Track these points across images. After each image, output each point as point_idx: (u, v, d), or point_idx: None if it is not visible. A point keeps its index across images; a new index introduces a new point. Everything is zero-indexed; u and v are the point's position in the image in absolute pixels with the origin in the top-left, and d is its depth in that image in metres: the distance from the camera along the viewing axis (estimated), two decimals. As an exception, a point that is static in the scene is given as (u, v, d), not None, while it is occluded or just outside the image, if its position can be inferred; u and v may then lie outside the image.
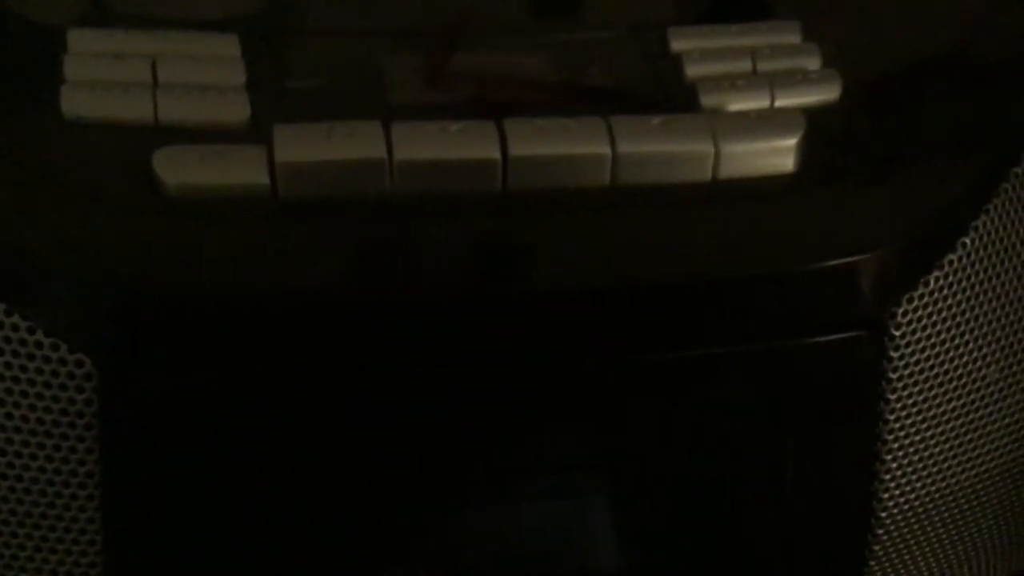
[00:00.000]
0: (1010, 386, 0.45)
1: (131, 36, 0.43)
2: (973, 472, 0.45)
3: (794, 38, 0.47)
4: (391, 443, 0.40)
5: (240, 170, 0.38)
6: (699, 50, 0.46)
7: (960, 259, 0.42)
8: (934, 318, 0.42)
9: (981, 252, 0.43)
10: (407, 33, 0.47)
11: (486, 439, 0.41)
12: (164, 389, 0.37)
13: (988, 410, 0.45)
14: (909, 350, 0.42)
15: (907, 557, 0.46)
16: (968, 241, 0.42)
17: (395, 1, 0.49)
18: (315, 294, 0.38)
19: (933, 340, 0.42)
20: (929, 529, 0.46)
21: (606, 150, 0.40)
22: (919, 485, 0.44)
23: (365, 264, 0.39)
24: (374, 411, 0.39)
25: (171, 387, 0.37)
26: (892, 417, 0.43)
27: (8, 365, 0.37)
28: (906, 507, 0.45)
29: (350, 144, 0.39)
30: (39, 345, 0.37)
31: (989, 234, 0.43)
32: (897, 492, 0.44)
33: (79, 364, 0.37)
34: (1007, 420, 0.45)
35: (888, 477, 0.44)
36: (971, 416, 0.44)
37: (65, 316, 0.37)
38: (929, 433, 0.44)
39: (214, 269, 0.37)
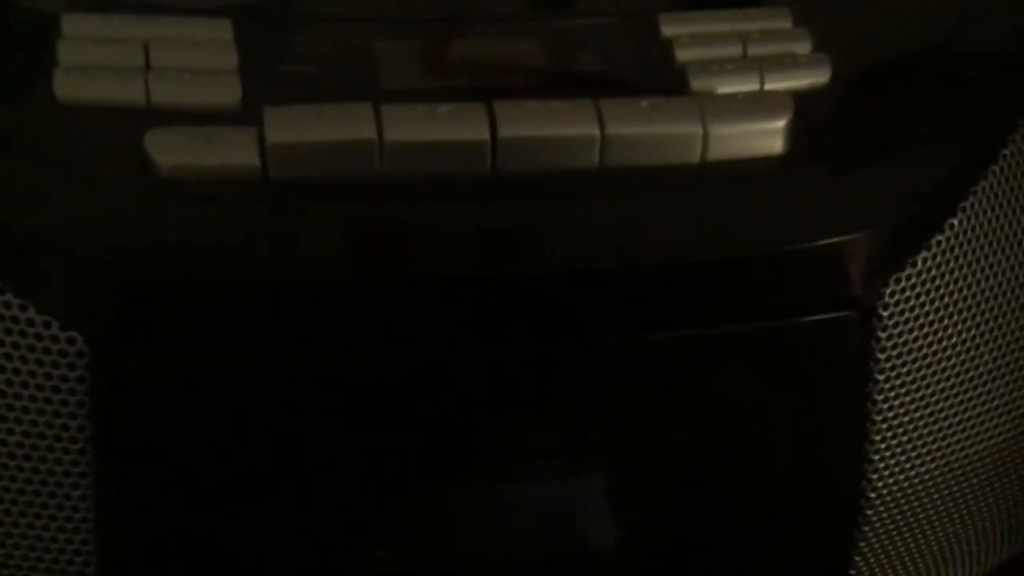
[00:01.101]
0: (999, 367, 0.45)
1: (124, 21, 0.43)
2: (963, 454, 0.46)
3: (785, 23, 0.47)
4: (382, 425, 0.40)
5: (232, 151, 0.39)
6: (689, 35, 0.46)
7: (948, 240, 0.43)
8: (922, 299, 0.42)
9: (969, 233, 0.43)
10: (399, 19, 0.47)
11: (474, 422, 0.41)
12: (156, 367, 0.37)
13: (977, 391, 0.45)
14: (897, 331, 0.42)
15: (897, 540, 0.46)
16: (956, 222, 0.43)
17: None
18: (306, 275, 0.38)
19: (921, 321, 0.43)
20: (919, 511, 0.46)
21: (595, 132, 0.40)
22: (908, 467, 0.45)
23: (355, 245, 0.39)
24: (364, 393, 0.39)
25: (163, 366, 0.38)
26: (881, 398, 0.43)
27: (0, 342, 0.37)
28: (896, 489, 0.45)
29: (340, 125, 0.39)
30: (31, 323, 0.37)
31: (977, 215, 0.43)
32: (887, 474, 0.44)
33: (71, 341, 0.37)
34: (996, 401, 0.46)
35: (877, 459, 0.44)
36: (960, 397, 0.44)
37: (57, 294, 0.37)
38: (918, 415, 0.44)
39: (205, 249, 0.37)
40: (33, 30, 0.43)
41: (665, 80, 0.44)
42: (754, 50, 0.46)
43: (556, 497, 0.43)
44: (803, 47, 0.46)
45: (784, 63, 0.45)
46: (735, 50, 0.46)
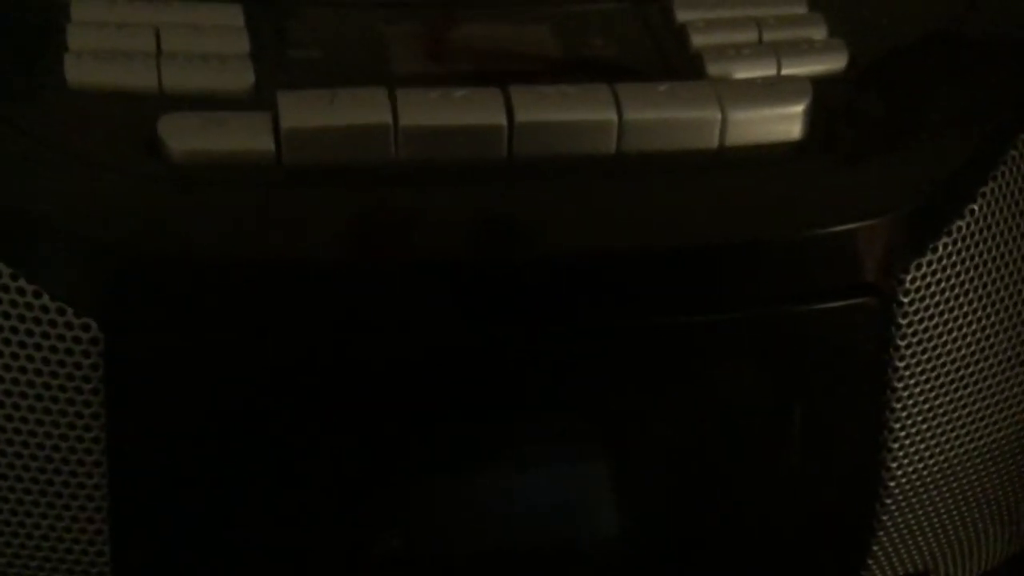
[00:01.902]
0: (1018, 354, 0.45)
1: (134, 6, 0.43)
2: (981, 442, 0.45)
3: (800, 8, 0.47)
4: (393, 409, 0.40)
5: (245, 136, 0.38)
6: (704, 20, 0.46)
7: (968, 226, 0.42)
8: (942, 285, 0.42)
9: (989, 219, 0.43)
10: (412, 4, 0.46)
11: (490, 408, 0.40)
12: (170, 353, 0.37)
13: (997, 379, 0.44)
14: (917, 317, 0.42)
15: (915, 527, 0.46)
16: (976, 208, 0.42)
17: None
18: (319, 260, 0.38)
19: (941, 307, 0.42)
20: (937, 499, 0.46)
21: (612, 117, 0.40)
22: (928, 455, 0.44)
23: (370, 230, 0.39)
24: (377, 377, 0.39)
25: (177, 352, 0.37)
26: (900, 385, 0.42)
27: (15, 329, 0.37)
28: (914, 476, 0.44)
29: (355, 110, 0.39)
30: (45, 309, 0.37)
31: (997, 200, 0.43)
32: (906, 462, 0.44)
33: (85, 328, 0.37)
34: (1016, 389, 0.45)
35: (896, 446, 0.43)
36: (979, 384, 0.44)
37: (71, 280, 0.37)
38: (937, 402, 0.43)
39: (219, 234, 0.37)
40: (42, 16, 0.43)
41: (681, 65, 0.44)
42: (770, 35, 0.45)
43: (571, 486, 0.43)
44: (819, 32, 0.46)
45: (800, 48, 0.45)
46: (751, 35, 0.45)
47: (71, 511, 0.39)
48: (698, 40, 0.45)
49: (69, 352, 0.37)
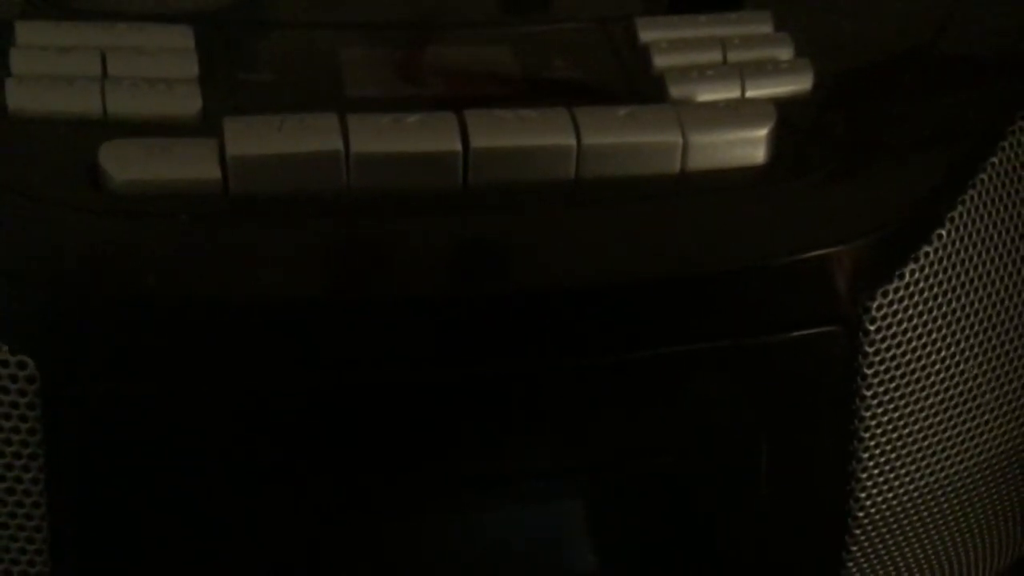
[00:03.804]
0: (988, 380, 0.44)
1: (81, 28, 0.42)
2: (952, 470, 0.45)
3: (766, 28, 0.46)
4: (337, 448, 0.38)
5: (190, 164, 0.37)
6: (668, 40, 0.45)
7: (936, 251, 0.41)
8: (910, 312, 0.41)
9: (957, 244, 0.42)
10: (367, 26, 0.45)
11: (448, 443, 0.39)
12: (109, 392, 0.36)
13: (967, 406, 0.44)
14: (884, 345, 0.41)
15: (885, 557, 0.45)
16: (944, 233, 0.42)
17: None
18: (268, 296, 0.36)
19: (909, 334, 0.41)
20: (908, 528, 0.45)
21: (571, 141, 0.39)
22: (896, 484, 0.44)
23: (321, 263, 0.38)
24: (321, 416, 0.38)
25: (116, 390, 0.36)
26: (868, 414, 0.42)
27: (-53, 367, 0.35)
28: (883, 506, 0.44)
29: (305, 136, 0.37)
30: (-21, 346, 0.36)
31: (965, 226, 0.42)
32: (874, 491, 0.43)
33: (22, 366, 0.36)
34: (987, 416, 0.44)
35: (865, 476, 0.43)
36: (949, 412, 0.43)
37: (7, 317, 0.35)
38: (906, 430, 0.43)
39: (160, 269, 0.36)
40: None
41: (643, 87, 0.43)
42: (735, 56, 0.45)
43: (537, 520, 0.42)
44: (785, 52, 0.45)
45: (766, 69, 0.44)
46: (715, 56, 0.45)
47: (11, 553, 0.37)
48: (661, 61, 0.44)
49: (4, 391, 0.36)
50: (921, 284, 0.41)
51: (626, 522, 0.43)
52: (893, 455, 0.43)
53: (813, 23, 0.47)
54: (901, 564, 0.46)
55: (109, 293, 0.35)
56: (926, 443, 0.43)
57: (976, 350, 0.43)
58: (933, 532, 0.46)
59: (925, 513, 0.45)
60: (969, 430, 0.44)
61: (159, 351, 0.36)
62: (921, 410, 0.43)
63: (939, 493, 0.45)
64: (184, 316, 0.36)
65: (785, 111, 0.42)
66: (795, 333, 0.40)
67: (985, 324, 0.43)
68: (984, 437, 0.45)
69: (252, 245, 0.37)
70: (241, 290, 0.36)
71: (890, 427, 0.42)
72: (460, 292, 0.38)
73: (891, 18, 0.48)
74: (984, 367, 0.44)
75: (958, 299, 0.42)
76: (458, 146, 0.38)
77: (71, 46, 0.41)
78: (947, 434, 0.44)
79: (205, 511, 0.38)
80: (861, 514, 0.43)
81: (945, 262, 0.42)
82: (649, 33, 0.45)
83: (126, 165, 0.37)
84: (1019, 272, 0.44)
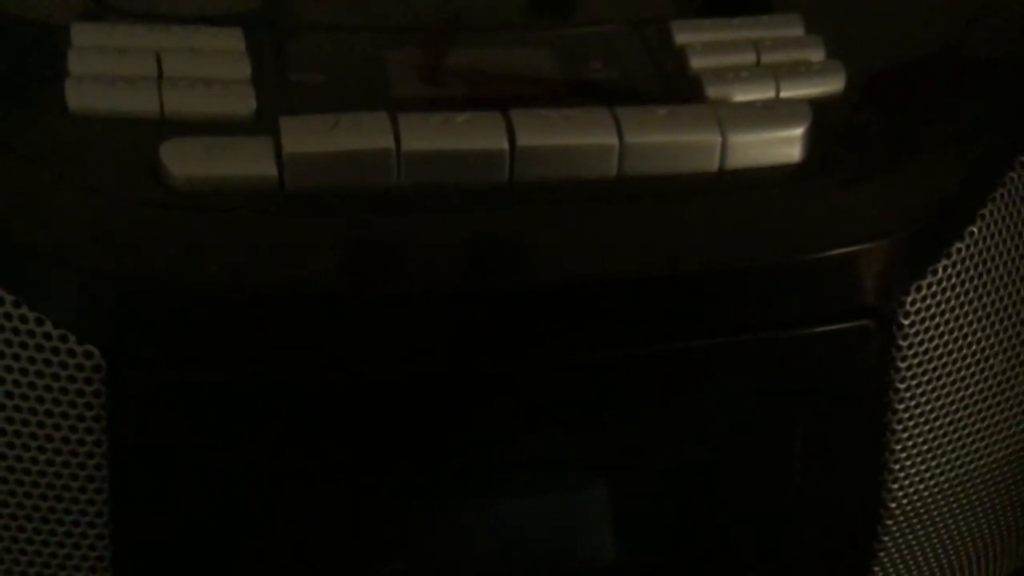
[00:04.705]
0: (1017, 375, 0.45)
1: (135, 31, 0.43)
2: (982, 462, 0.45)
3: (797, 30, 0.47)
4: (400, 437, 0.40)
5: (247, 162, 0.38)
6: (702, 43, 0.46)
7: (968, 247, 0.42)
8: (943, 307, 0.42)
9: (989, 240, 0.43)
10: (411, 28, 0.47)
11: (494, 435, 0.40)
12: (172, 380, 0.37)
13: (997, 399, 0.44)
14: (918, 339, 0.42)
15: (916, 548, 0.46)
16: (976, 230, 0.42)
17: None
18: (322, 288, 0.38)
19: (942, 329, 0.42)
20: (938, 519, 0.46)
21: (613, 140, 0.40)
22: (928, 475, 0.44)
23: (372, 257, 0.39)
24: (382, 406, 0.39)
25: (179, 378, 0.37)
26: (901, 407, 0.43)
27: (17, 357, 0.36)
28: (915, 497, 0.44)
29: (357, 135, 0.39)
30: (47, 336, 0.36)
31: (996, 222, 0.43)
32: (906, 482, 0.44)
33: (88, 355, 0.37)
34: (1014, 409, 0.45)
35: (897, 467, 0.43)
36: (980, 405, 0.44)
37: (73, 308, 0.36)
38: (938, 423, 0.44)
39: (220, 261, 0.37)
40: (43, 42, 0.43)
41: (680, 88, 0.44)
42: (768, 57, 0.46)
43: (564, 513, 0.43)
44: (817, 54, 0.46)
45: (799, 70, 0.45)
46: (749, 57, 0.46)
47: (73, 538, 0.38)
48: (697, 62, 0.45)
49: (71, 380, 0.37)
50: (953, 279, 0.42)
51: (660, 513, 0.43)
52: (925, 447, 0.44)
53: (842, 25, 0.47)
54: (931, 554, 0.47)
55: (172, 284, 0.36)
56: (956, 435, 0.44)
57: (1005, 344, 0.44)
58: (962, 523, 0.47)
59: (955, 504, 0.46)
60: (998, 423, 0.45)
61: (219, 340, 0.37)
62: (952, 403, 0.43)
63: (968, 485, 0.46)
64: (243, 306, 0.37)
65: (819, 111, 0.42)
66: (830, 327, 0.41)
67: (1014, 319, 0.44)
68: (1012, 430, 0.46)
69: (308, 239, 0.38)
70: (298, 281, 0.37)
71: (922, 419, 0.43)
72: (504, 285, 0.39)
73: (918, 19, 0.49)
74: (1012, 361, 0.45)
75: (988, 294, 0.43)
76: (505, 144, 0.39)
77: (126, 47, 0.42)
78: (977, 426, 0.44)
79: (266, 498, 0.39)
80: (893, 505, 0.44)
81: (976, 258, 0.42)
82: (684, 35, 0.46)
83: (187, 162, 0.38)
84: (1048, 267, 0.44)
